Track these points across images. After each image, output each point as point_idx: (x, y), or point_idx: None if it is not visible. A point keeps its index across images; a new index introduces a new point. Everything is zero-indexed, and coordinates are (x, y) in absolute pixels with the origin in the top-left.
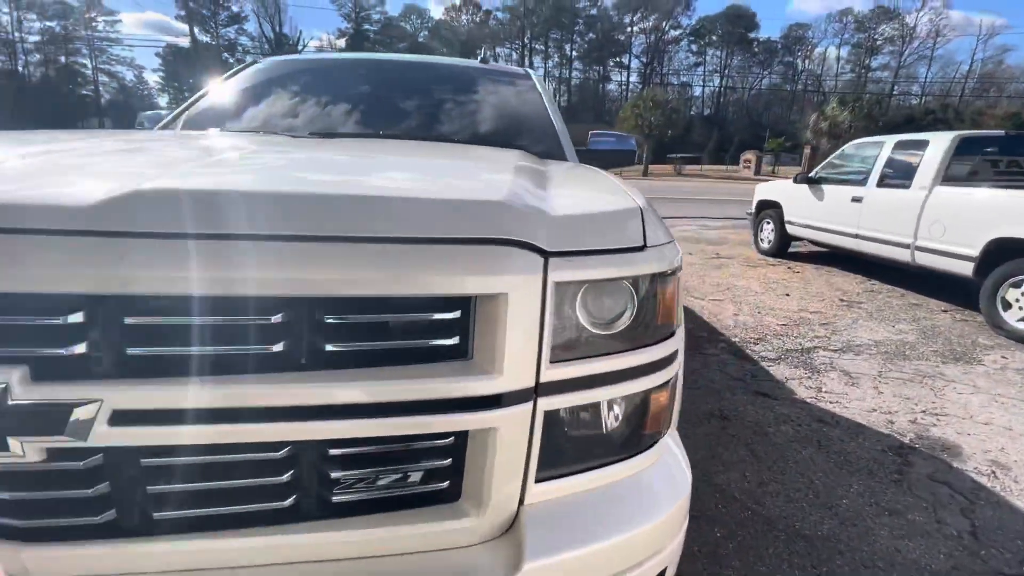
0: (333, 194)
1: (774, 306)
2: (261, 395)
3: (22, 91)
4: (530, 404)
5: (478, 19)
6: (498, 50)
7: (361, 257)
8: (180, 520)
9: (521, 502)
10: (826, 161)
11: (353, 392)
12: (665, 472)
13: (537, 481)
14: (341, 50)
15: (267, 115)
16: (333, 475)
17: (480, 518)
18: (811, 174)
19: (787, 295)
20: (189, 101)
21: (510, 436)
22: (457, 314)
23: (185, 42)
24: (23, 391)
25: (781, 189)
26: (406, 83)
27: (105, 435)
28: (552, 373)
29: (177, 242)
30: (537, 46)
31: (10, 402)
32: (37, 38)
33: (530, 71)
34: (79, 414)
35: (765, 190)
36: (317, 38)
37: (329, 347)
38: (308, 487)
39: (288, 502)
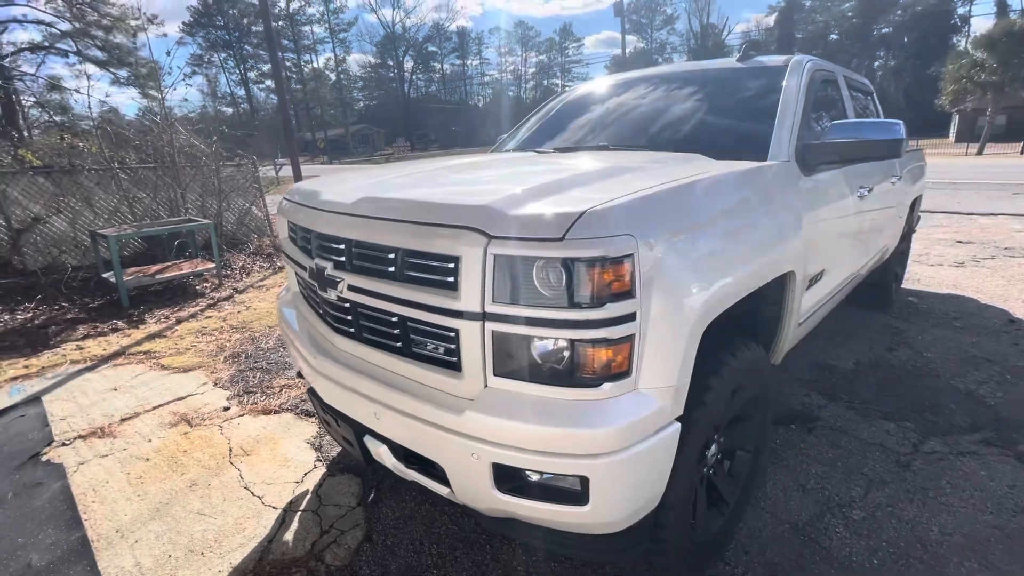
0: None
1: None
2: (378, 287)
3: (519, 111)
4: (479, 322)
5: None
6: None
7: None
8: (355, 333)
9: (485, 386)
10: None
11: (404, 291)
12: (604, 410)
13: (495, 375)
14: (769, 29)
15: (543, 135)
16: (410, 335)
17: (460, 381)
18: None
19: None
20: (511, 131)
21: (470, 338)
22: (451, 265)
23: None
24: (330, 272)
25: None
26: (647, 96)
27: (347, 294)
28: (494, 308)
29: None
30: None
31: (325, 275)
32: (534, 69)
33: (793, 61)
34: (340, 284)
35: None
36: (745, 20)
37: (405, 271)
38: (398, 336)
39: (393, 342)
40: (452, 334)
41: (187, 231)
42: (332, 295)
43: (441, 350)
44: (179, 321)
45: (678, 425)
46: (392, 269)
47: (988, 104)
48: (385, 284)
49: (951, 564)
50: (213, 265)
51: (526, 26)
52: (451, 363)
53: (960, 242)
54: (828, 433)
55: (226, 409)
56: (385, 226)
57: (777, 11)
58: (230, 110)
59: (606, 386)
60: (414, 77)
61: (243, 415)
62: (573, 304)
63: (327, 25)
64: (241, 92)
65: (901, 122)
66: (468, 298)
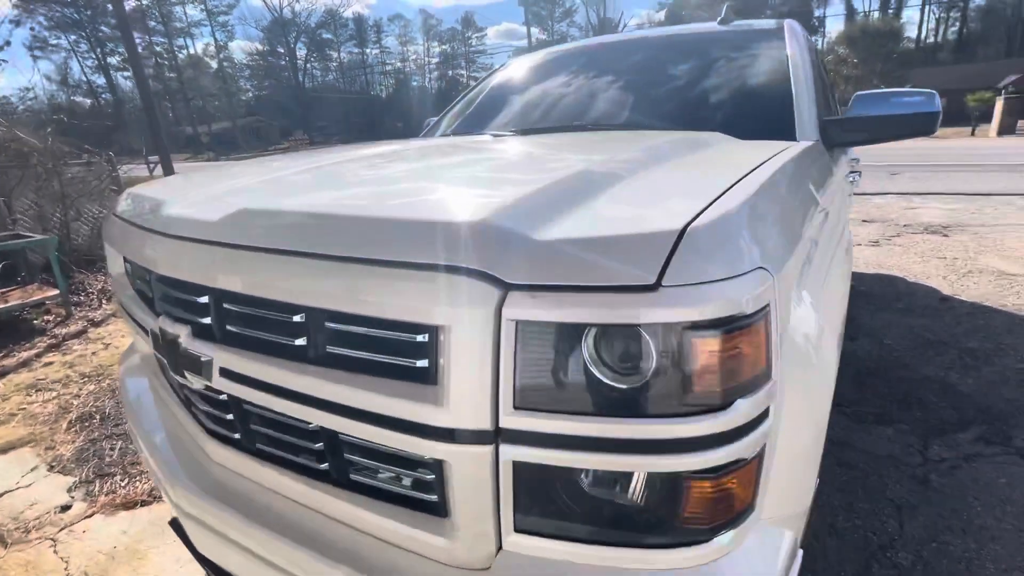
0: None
1: None
2: (274, 377)
3: (425, 102)
4: (489, 447)
5: None
6: None
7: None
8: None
9: (499, 547)
10: None
11: (325, 387)
12: None
13: (517, 531)
14: (660, 23)
15: (494, 115)
16: (345, 455)
17: (453, 541)
18: None
19: None
20: (445, 110)
21: (468, 473)
22: (422, 339)
23: (526, 42)
24: (188, 344)
25: None
26: (622, 68)
27: (220, 383)
28: (517, 421)
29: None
30: None
31: (180, 349)
32: (437, 59)
33: (787, 24)
34: (206, 365)
35: None
36: (637, 15)
37: (327, 349)
38: (320, 455)
39: (311, 462)
40: (430, 462)
41: (17, 249)
42: (195, 383)
43: (408, 482)
44: (3, 373)
45: (801, 552)
46: (301, 343)
47: (851, 96)
48: (289, 372)
49: None
50: (57, 292)
51: (427, 14)
52: (428, 504)
53: (865, 221)
54: (832, 448)
55: (66, 508)
56: (284, 265)
57: (666, 8)
58: (88, 101)
59: (721, 539)
60: (308, 66)
61: (92, 514)
62: (679, 410)
63: (203, 7)
64: (101, 80)
65: (936, 92)
66: (463, 405)
